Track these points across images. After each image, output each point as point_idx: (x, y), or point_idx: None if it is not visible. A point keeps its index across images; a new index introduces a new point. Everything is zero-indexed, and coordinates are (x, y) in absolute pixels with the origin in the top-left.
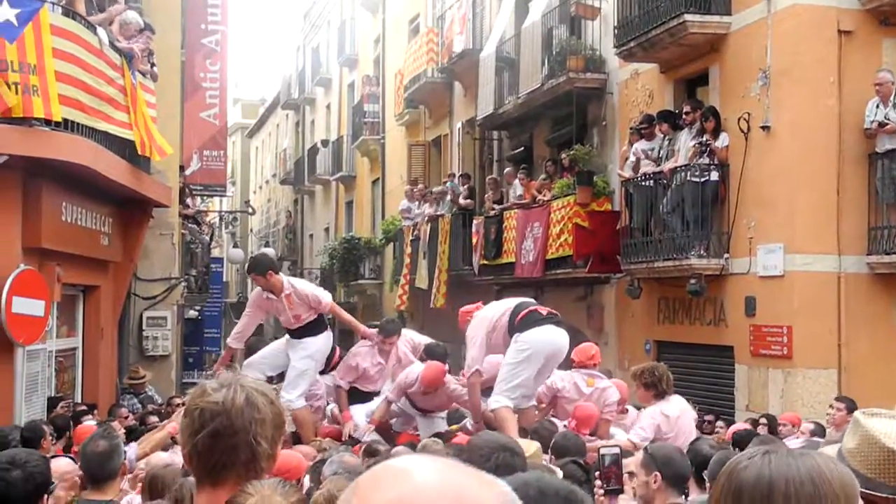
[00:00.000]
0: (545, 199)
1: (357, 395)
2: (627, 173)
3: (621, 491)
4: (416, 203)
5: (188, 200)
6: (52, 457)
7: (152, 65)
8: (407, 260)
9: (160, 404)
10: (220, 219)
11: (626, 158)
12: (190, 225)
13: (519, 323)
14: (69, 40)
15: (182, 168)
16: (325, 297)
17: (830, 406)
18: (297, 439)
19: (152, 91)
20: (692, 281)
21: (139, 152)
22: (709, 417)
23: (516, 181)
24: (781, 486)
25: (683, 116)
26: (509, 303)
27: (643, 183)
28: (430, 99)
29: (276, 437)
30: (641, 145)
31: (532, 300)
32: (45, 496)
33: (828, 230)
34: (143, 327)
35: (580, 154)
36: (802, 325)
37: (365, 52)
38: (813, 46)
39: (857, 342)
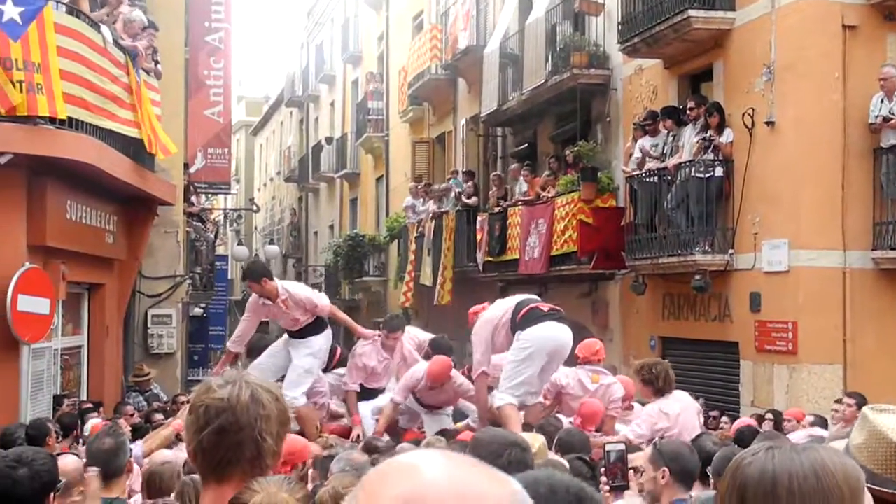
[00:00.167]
0: (549, 195)
1: (362, 393)
2: (631, 169)
3: (626, 487)
4: (421, 200)
5: (192, 198)
6: (59, 454)
7: (156, 62)
8: (411, 257)
9: (165, 402)
10: (225, 216)
11: (631, 154)
12: (194, 223)
13: (521, 320)
14: (73, 38)
15: (186, 166)
16: (322, 300)
17: (836, 402)
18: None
19: (156, 89)
20: (697, 277)
21: (148, 150)
22: (714, 413)
23: (520, 178)
24: (785, 480)
25: (687, 112)
26: (511, 301)
27: (647, 179)
28: (434, 96)
29: (281, 434)
30: (646, 141)
31: (534, 297)
32: (52, 494)
33: (833, 225)
34: (148, 325)
35: (584, 150)
36: (807, 321)
37: (369, 49)
38: (817, 41)
39: (862, 338)
